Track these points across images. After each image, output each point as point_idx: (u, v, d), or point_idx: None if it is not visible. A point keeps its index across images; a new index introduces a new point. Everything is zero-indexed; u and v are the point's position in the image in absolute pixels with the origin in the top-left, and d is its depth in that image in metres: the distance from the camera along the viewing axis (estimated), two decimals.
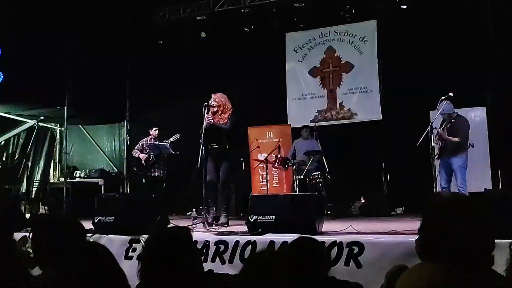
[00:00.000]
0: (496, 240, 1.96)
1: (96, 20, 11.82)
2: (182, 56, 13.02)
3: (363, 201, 10.39)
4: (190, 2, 12.78)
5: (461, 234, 1.82)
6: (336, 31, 12.15)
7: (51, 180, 13.16)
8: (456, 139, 7.57)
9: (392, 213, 9.78)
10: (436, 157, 7.73)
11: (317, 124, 11.05)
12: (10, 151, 13.05)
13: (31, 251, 3.06)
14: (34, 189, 13.04)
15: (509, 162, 9.58)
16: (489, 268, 1.88)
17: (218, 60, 12.58)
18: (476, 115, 9.85)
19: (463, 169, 7.71)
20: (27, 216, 8.43)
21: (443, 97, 7.52)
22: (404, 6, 10.80)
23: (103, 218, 6.14)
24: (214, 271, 5.03)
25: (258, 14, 12.17)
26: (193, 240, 2.77)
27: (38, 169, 13.62)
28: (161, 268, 2.49)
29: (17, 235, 5.88)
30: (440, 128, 7.67)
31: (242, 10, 12.23)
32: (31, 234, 3.06)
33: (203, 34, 12.56)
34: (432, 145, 7.28)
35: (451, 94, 7.46)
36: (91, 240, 5.84)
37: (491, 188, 8.77)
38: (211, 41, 12.60)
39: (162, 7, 13.09)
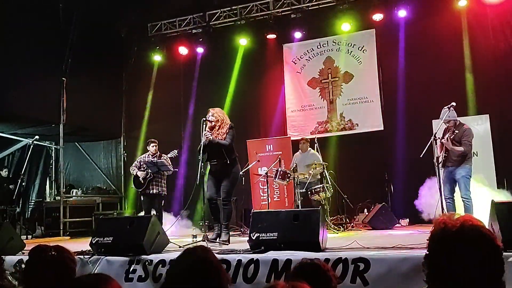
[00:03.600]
0: (506, 254, 1.86)
1: (91, 35, 11.72)
2: (178, 70, 12.94)
3: (366, 213, 10.24)
4: (185, 16, 12.72)
5: (469, 261, 1.78)
6: (334, 41, 12.08)
7: (47, 199, 12.99)
8: (461, 148, 7.40)
9: (397, 225, 9.61)
10: (441, 165, 7.55)
11: (318, 136, 10.91)
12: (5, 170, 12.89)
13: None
14: (30, 209, 12.87)
15: None
16: None
17: (215, 73, 12.48)
18: (479, 123, 9.72)
19: (467, 179, 7.52)
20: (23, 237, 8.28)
21: (446, 106, 7.38)
22: (403, 14, 10.73)
23: (101, 239, 5.95)
24: None
25: (255, 26, 12.09)
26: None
27: (34, 188, 13.45)
28: None
29: (14, 258, 5.75)
30: (443, 138, 7.50)
31: (239, 23, 12.16)
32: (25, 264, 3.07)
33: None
34: (437, 155, 7.11)
35: (453, 103, 7.32)
36: (89, 261, 5.70)
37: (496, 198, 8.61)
38: (208, 54, 12.51)
39: (158, 21, 13.03)
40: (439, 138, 7.33)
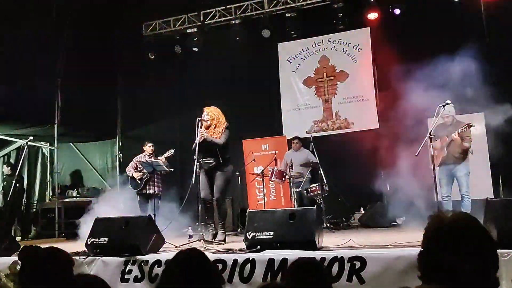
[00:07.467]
0: (500, 250, 1.86)
1: (85, 35, 11.68)
2: (173, 70, 12.89)
3: (362, 212, 10.23)
4: (180, 15, 12.69)
5: (463, 257, 1.78)
6: (329, 40, 12.08)
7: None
8: (468, 144, 7.48)
9: (393, 223, 9.61)
10: (437, 165, 7.56)
11: (314, 135, 10.90)
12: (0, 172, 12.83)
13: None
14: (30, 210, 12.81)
15: (509, 168, 9.45)
16: None
17: (210, 72, 12.45)
18: (475, 121, 9.70)
19: (468, 176, 7.60)
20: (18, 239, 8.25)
21: (441, 104, 7.39)
22: (397, 12, 10.74)
23: (97, 240, 5.92)
24: None
25: (250, 25, 12.08)
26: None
27: (34, 190, 13.39)
28: None
29: (9, 260, 5.71)
30: (454, 134, 7.49)
31: (233, 22, 12.14)
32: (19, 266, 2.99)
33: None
34: (432, 153, 7.11)
35: (448, 101, 7.33)
36: (84, 262, 5.68)
37: (491, 196, 8.65)
38: (203, 54, 12.47)
39: (152, 20, 12.99)
40: (434, 136, 7.34)
